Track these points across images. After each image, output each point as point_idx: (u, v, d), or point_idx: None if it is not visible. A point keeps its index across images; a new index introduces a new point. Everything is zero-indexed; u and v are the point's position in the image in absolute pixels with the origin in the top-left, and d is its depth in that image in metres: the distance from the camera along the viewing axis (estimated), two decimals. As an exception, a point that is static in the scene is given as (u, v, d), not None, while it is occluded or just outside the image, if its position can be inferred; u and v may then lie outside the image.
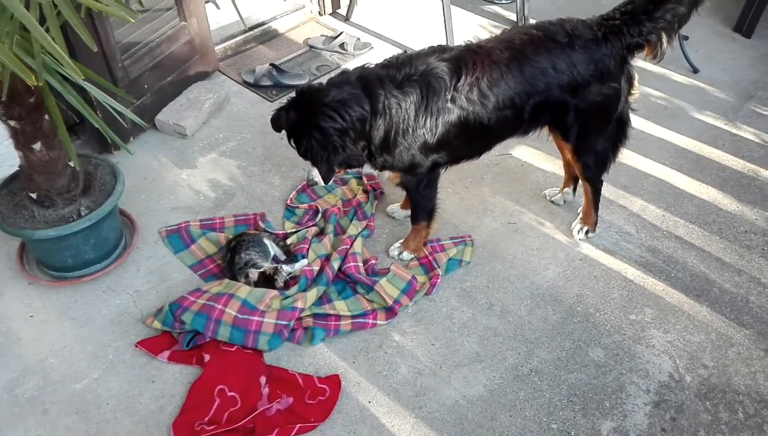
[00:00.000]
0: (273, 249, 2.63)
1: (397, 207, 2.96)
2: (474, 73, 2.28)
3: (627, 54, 2.39)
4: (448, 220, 2.93)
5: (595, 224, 2.84)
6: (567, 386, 2.29)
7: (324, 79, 2.38)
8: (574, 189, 2.99)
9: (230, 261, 2.53)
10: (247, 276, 2.50)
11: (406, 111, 2.28)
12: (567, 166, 2.93)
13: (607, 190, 3.08)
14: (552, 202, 3.04)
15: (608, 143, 2.60)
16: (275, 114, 2.38)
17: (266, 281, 2.49)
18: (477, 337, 2.44)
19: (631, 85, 2.51)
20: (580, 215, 2.87)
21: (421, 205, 2.64)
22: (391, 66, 2.32)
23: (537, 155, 3.31)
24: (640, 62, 3.98)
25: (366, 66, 2.36)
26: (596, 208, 2.80)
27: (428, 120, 2.30)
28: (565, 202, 3.03)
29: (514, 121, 2.42)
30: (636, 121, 3.56)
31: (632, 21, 2.32)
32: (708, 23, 4.48)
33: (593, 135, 2.55)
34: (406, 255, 2.74)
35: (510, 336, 2.45)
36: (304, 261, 2.60)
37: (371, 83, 2.27)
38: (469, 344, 2.42)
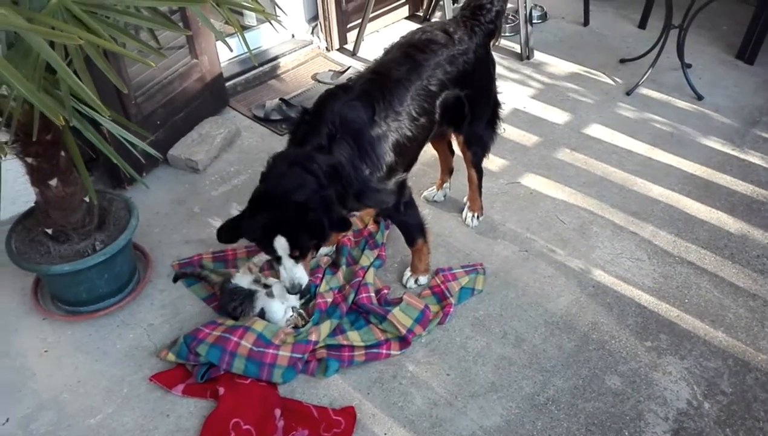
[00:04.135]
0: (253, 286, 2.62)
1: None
2: (383, 98, 2.35)
3: (488, 39, 2.73)
4: (459, 248, 2.94)
5: (482, 208, 3.09)
6: (585, 415, 2.27)
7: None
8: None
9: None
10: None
11: (355, 163, 2.29)
12: (444, 161, 3.16)
13: (616, 216, 3.11)
14: (434, 201, 3.20)
15: (490, 128, 2.88)
16: (222, 228, 2.30)
17: (294, 328, 2.50)
18: (492, 366, 2.43)
19: (494, 66, 2.84)
20: (468, 204, 3.09)
21: (410, 225, 2.65)
22: (309, 134, 2.28)
23: (545, 183, 3.33)
24: (644, 90, 4.06)
25: (287, 151, 2.33)
26: (481, 194, 3.06)
27: (369, 159, 2.32)
28: (445, 196, 3.23)
29: (430, 126, 2.57)
30: (642, 148, 3.60)
31: (481, 11, 2.66)
32: (710, 51, 4.54)
33: (479, 121, 2.78)
34: (423, 279, 2.75)
35: (525, 365, 2.43)
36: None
37: (304, 166, 2.20)
38: (484, 374, 2.40)
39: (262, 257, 2.73)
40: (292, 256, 2.23)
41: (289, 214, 2.15)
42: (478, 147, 2.86)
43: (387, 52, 2.58)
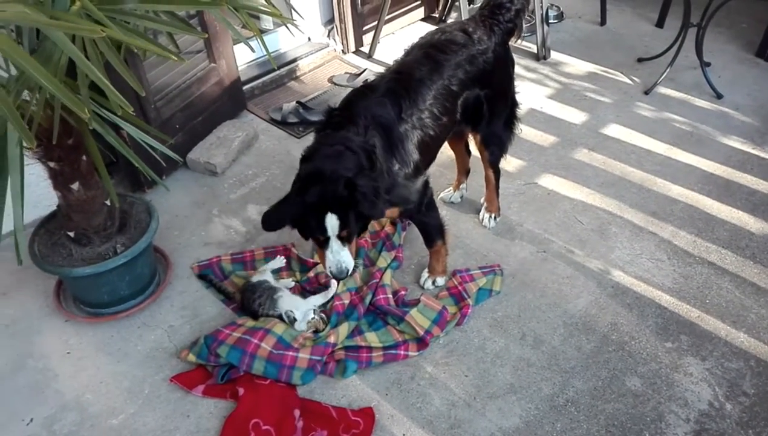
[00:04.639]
0: (279, 283, 2.65)
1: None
2: (409, 97, 2.37)
3: (507, 38, 2.74)
4: (477, 249, 2.94)
5: (499, 209, 3.09)
6: (605, 416, 2.25)
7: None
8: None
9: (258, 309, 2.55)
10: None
11: (385, 157, 2.30)
12: (461, 162, 3.16)
13: (635, 216, 3.09)
14: (451, 202, 3.21)
15: (508, 128, 2.88)
16: (267, 215, 2.24)
17: (315, 332, 2.51)
18: (510, 367, 2.42)
19: (513, 65, 2.86)
20: (485, 204, 3.09)
21: (430, 225, 2.65)
22: (344, 125, 2.27)
23: (563, 183, 3.31)
24: (662, 89, 4.02)
25: (324, 137, 2.29)
26: (498, 194, 3.06)
27: (398, 154, 2.34)
28: (462, 198, 3.23)
29: (451, 125, 2.61)
30: (661, 147, 3.57)
31: (500, 10, 2.68)
32: (730, 49, 4.49)
33: (497, 120, 2.78)
34: (440, 280, 2.75)
35: (544, 366, 2.42)
36: (332, 290, 2.61)
37: (345, 145, 2.20)
38: (503, 375, 2.40)
39: (273, 264, 2.76)
40: (340, 236, 2.19)
41: (339, 191, 2.10)
42: (495, 146, 2.86)
43: (407, 53, 2.59)
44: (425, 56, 2.50)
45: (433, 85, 2.43)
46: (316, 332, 2.49)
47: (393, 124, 2.32)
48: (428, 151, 2.51)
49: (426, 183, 2.53)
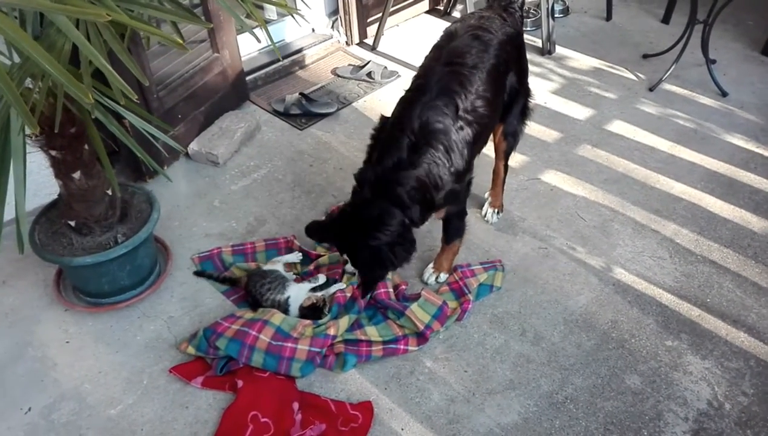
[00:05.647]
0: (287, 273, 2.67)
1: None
2: (466, 89, 2.35)
3: (522, 27, 2.81)
4: (478, 245, 2.93)
5: (502, 204, 3.09)
6: (603, 414, 2.25)
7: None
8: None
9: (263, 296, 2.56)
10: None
11: (440, 168, 2.31)
12: None
13: (638, 214, 3.08)
14: None
15: (522, 120, 2.86)
16: (313, 224, 2.49)
17: (314, 311, 2.51)
18: (510, 363, 2.42)
19: None
20: (490, 199, 3.07)
21: (459, 227, 2.67)
22: (391, 146, 2.29)
23: (566, 179, 3.30)
24: (667, 85, 4.00)
25: (370, 171, 2.34)
26: (503, 189, 3.06)
27: (454, 158, 2.33)
28: None
29: (500, 108, 2.64)
30: (665, 145, 3.56)
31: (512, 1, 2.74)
32: (735, 47, 4.46)
33: (516, 108, 2.77)
34: (443, 276, 2.75)
35: (544, 363, 2.42)
36: (341, 285, 2.61)
37: (388, 192, 2.28)
38: (502, 371, 2.39)
39: (289, 258, 2.76)
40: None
41: (355, 252, 2.42)
42: (512, 137, 2.85)
43: (450, 37, 2.53)
44: (473, 38, 2.47)
45: (484, 68, 2.42)
46: (315, 310, 2.49)
47: (449, 129, 2.29)
48: (481, 141, 2.53)
49: (470, 182, 2.54)
